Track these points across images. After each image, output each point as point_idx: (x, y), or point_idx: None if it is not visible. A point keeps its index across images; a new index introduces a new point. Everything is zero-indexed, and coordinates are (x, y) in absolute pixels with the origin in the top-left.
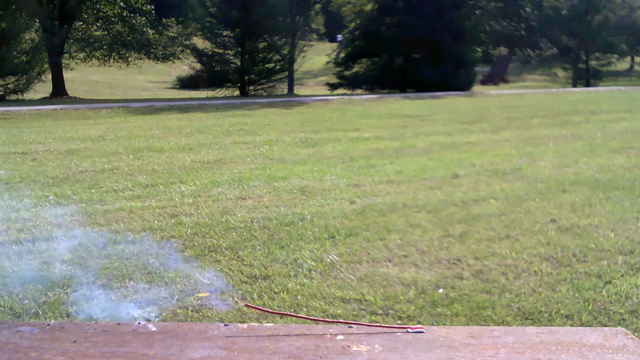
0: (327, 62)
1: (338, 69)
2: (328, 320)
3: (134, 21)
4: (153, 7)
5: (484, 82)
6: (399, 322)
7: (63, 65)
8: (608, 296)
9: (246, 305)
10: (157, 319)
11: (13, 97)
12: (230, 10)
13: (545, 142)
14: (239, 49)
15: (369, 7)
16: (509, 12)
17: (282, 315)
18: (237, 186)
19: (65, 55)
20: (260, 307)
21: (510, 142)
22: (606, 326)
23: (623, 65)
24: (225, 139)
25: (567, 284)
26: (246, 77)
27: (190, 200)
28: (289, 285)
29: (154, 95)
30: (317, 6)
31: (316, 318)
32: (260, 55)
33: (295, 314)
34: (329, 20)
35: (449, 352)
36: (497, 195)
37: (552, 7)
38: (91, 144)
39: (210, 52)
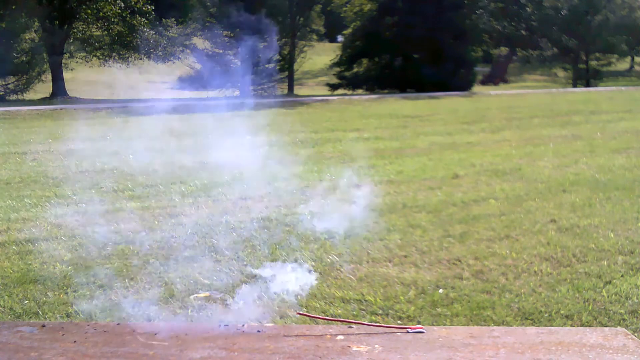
0: (331, 67)
1: (338, 69)
2: (327, 318)
3: (134, 21)
4: (153, 7)
5: (484, 82)
6: (399, 322)
7: (63, 65)
8: (608, 296)
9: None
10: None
11: (13, 97)
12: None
13: (545, 142)
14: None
15: (369, 7)
16: (509, 12)
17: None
18: (237, 186)
19: (65, 55)
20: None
21: (510, 142)
22: (606, 326)
23: (623, 65)
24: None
25: (567, 284)
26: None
27: (190, 201)
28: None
29: (154, 96)
30: (317, 7)
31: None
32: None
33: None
34: (329, 21)
35: (449, 352)
36: (497, 195)
37: (552, 7)
38: (91, 144)
39: (210, 52)
